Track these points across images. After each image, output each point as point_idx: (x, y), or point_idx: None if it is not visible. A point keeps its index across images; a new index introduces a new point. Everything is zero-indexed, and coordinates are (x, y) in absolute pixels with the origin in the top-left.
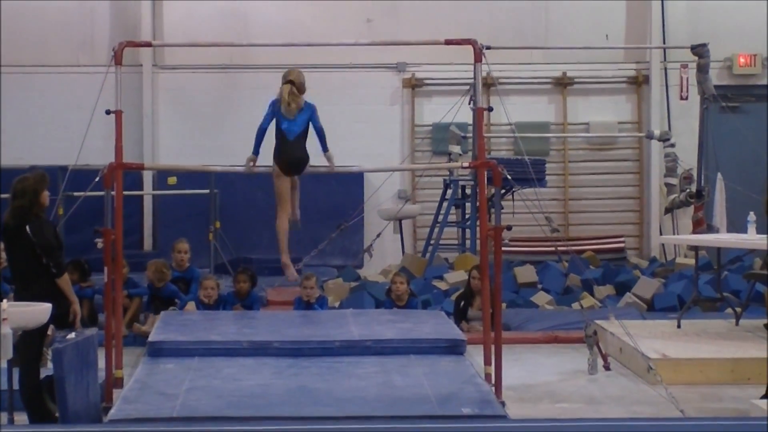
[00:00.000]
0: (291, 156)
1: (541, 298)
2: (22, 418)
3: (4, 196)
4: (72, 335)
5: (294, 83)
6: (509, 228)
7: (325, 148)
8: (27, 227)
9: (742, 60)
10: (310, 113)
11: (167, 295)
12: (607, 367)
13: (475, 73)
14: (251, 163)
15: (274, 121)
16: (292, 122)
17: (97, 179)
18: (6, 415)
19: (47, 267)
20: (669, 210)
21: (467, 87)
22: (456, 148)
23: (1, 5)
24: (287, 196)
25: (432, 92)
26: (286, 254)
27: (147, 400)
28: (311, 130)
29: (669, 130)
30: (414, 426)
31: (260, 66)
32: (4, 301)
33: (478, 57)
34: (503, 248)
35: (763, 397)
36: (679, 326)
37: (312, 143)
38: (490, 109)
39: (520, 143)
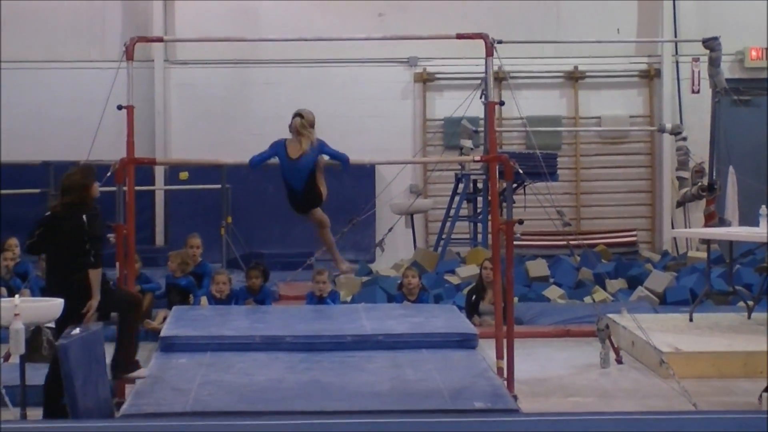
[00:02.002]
0: (301, 205)
1: (553, 292)
2: (34, 413)
3: (4, 192)
4: (77, 330)
5: (303, 117)
6: (521, 222)
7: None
8: (84, 217)
9: (753, 53)
10: (318, 149)
11: (185, 286)
12: (619, 361)
13: (486, 68)
14: None
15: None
16: (296, 166)
17: (108, 174)
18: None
19: (87, 258)
20: (681, 203)
21: (479, 81)
22: (467, 143)
23: (14, 2)
24: (318, 219)
25: (443, 86)
26: (340, 260)
27: (159, 395)
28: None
29: (681, 123)
30: (426, 420)
31: (271, 61)
32: (17, 296)
33: (490, 51)
34: (515, 242)
35: (765, 391)
36: (691, 320)
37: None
38: (502, 104)
39: (531, 137)
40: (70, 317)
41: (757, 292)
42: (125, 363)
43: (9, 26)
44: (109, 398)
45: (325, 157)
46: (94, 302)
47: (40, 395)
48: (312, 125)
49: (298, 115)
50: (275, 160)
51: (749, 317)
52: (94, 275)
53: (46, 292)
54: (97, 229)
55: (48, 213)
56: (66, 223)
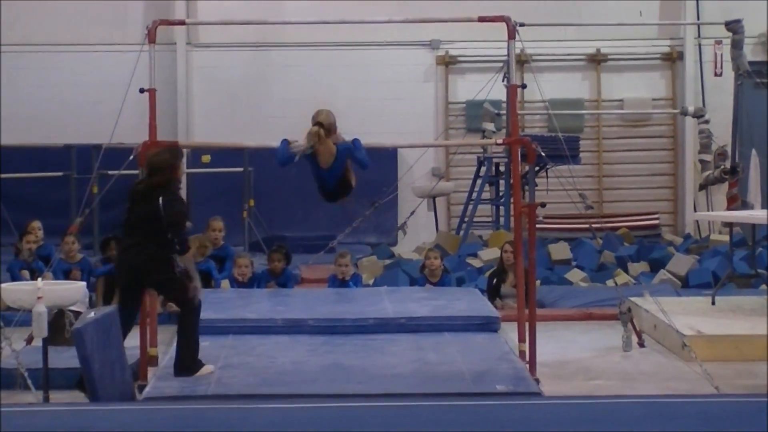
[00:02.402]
0: (332, 198)
1: (575, 275)
2: (57, 396)
3: (4, 176)
4: (92, 314)
5: (323, 125)
6: (543, 205)
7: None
8: (160, 200)
9: None
10: (345, 157)
11: (205, 270)
12: (641, 344)
13: (508, 50)
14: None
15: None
16: (328, 175)
17: (131, 157)
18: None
19: (159, 234)
20: (703, 186)
21: (501, 64)
22: (490, 125)
23: None
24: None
25: (465, 69)
26: None
27: (181, 379)
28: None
29: (703, 106)
30: (448, 403)
31: (292, 44)
32: (39, 279)
33: (512, 34)
34: (537, 225)
35: None
36: (713, 303)
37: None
38: (524, 86)
39: (553, 120)
40: (131, 295)
41: None
42: (189, 363)
43: (31, 10)
44: (130, 381)
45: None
46: (197, 283)
47: (62, 378)
48: (332, 128)
49: (318, 123)
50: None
51: None
52: (187, 260)
53: (117, 266)
54: (174, 215)
55: (132, 188)
56: (144, 203)
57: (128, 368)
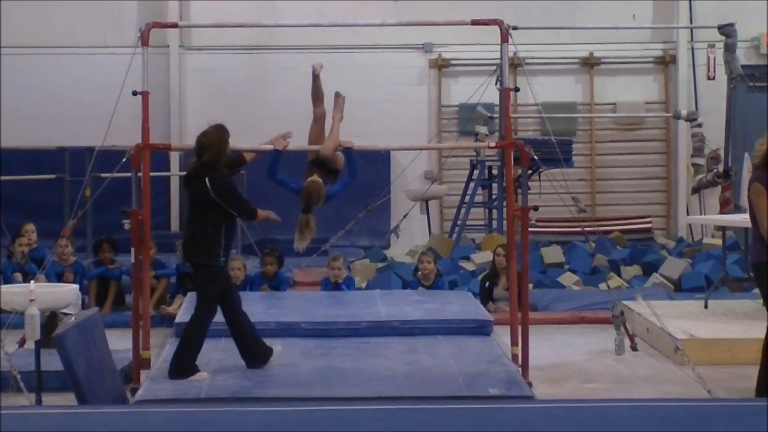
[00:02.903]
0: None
1: (568, 278)
2: (50, 398)
3: (4, 178)
4: (72, 318)
5: (310, 211)
6: (536, 208)
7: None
8: (207, 180)
9: None
10: (338, 189)
11: None
12: (634, 348)
13: (501, 54)
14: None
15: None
16: (329, 196)
17: (124, 160)
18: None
19: (210, 217)
20: (696, 190)
21: (494, 67)
22: (483, 129)
23: None
24: None
25: (459, 72)
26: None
27: (174, 381)
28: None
29: (696, 110)
30: (441, 406)
31: (287, 47)
32: (32, 282)
33: (505, 37)
34: (530, 229)
35: None
36: (706, 306)
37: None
38: (517, 90)
39: (546, 123)
40: (198, 277)
41: None
42: (185, 366)
43: (25, 12)
44: (119, 383)
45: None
46: (268, 213)
47: (55, 380)
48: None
49: (307, 209)
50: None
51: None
52: (262, 219)
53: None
54: (223, 192)
55: (186, 172)
56: (194, 184)
57: (116, 370)
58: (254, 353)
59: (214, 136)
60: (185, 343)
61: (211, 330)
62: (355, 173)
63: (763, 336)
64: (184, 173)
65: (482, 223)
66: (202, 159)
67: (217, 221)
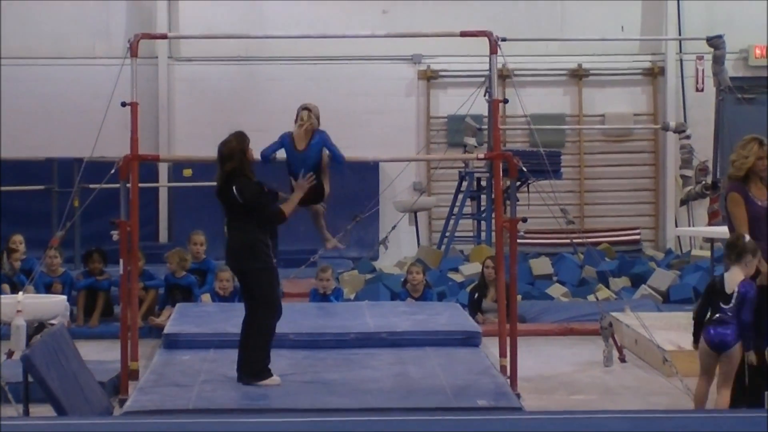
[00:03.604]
0: (305, 199)
1: (556, 289)
2: (37, 410)
3: (4, 188)
4: (37, 337)
5: (311, 111)
6: (524, 220)
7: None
8: (234, 189)
9: (758, 51)
10: (321, 141)
11: (186, 284)
12: (622, 359)
13: (490, 65)
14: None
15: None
16: (301, 157)
17: (112, 171)
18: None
19: (250, 221)
20: (684, 202)
21: (483, 79)
22: (471, 140)
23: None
24: (318, 208)
25: (447, 84)
26: (326, 232)
27: (163, 392)
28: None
29: (685, 121)
30: (429, 417)
31: (276, 58)
32: (20, 293)
33: (494, 49)
34: (518, 240)
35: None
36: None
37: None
38: (506, 101)
39: (535, 135)
40: (250, 280)
41: None
42: (258, 368)
43: (14, 22)
44: (101, 395)
45: (325, 152)
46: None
47: (42, 392)
48: (317, 119)
49: (305, 108)
50: (282, 153)
51: None
52: (290, 212)
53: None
54: (250, 198)
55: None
56: (223, 194)
57: (95, 382)
58: (253, 366)
59: (234, 144)
60: (251, 343)
61: (197, 342)
62: (338, 157)
63: None
64: (172, 184)
65: (471, 234)
66: (225, 169)
67: (259, 222)
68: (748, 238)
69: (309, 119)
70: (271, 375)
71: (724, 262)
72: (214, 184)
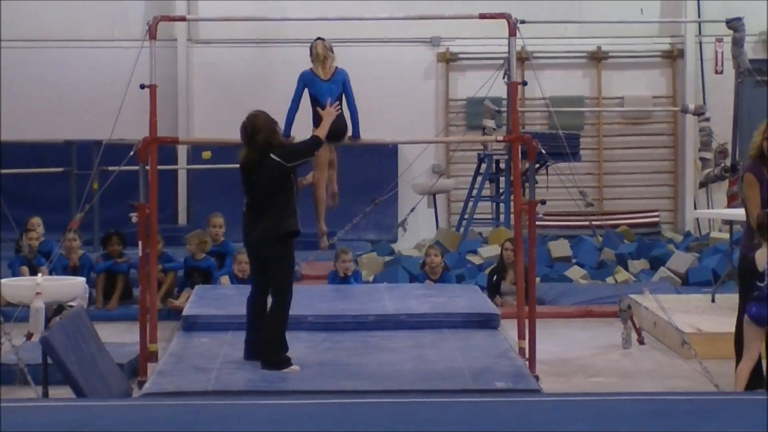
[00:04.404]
0: (329, 132)
1: (575, 272)
2: (56, 392)
3: (4, 171)
4: (56, 319)
5: (324, 40)
6: (543, 202)
7: (356, 133)
8: (272, 156)
9: None
10: (343, 80)
11: (206, 267)
12: (641, 342)
13: (509, 48)
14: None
15: (306, 93)
16: (327, 86)
17: (131, 154)
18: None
19: (283, 192)
20: (703, 184)
21: (501, 61)
22: (490, 123)
23: None
24: (325, 164)
25: (466, 66)
26: (323, 222)
27: (182, 374)
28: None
29: (704, 104)
30: (448, 400)
31: (294, 40)
32: (39, 274)
33: (513, 31)
34: (537, 223)
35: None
36: (713, 300)
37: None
38: (525, 84)
39: (554, 117)
40: (284, 250)
41: None
42: (274, 356)
43: (33, 4)
44: (120, 376)
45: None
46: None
47: (61, 374)
48: (331, 50)
49: (319, 38)
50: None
51: None
52: (326, 126)
53: (246, 236)
54: (297, 153)
55: (240, 164)
56: (262, 167)
57: (114, 364)
58: (272, 356)
59: (262, 119)
60: (270, 333)
61: (215, 324)
62: (351, 98)
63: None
64: (190, 167)
65: (489, 216)
66: (257, 141)
67: (290, 193)
68: None
69: (325, 50)
70: (291, 363)
71: (756, 241)
72: (233, 166)
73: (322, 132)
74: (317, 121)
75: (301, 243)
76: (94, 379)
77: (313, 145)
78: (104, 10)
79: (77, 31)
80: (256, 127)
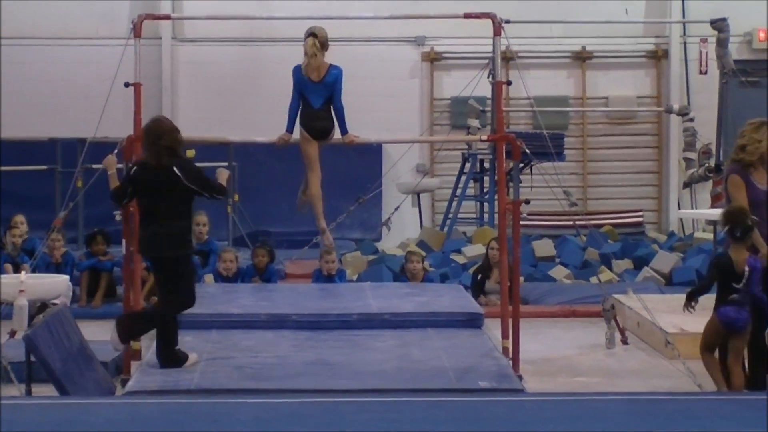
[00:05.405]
0: (317, 125)
1: (559, 272)
2: (39, 389)
3: (6, 169)
4: (40, 317)
5: (317, 36)
6: (527, 202)
7: (344, 131)
8: (175, 169)
9: (761, 34)
10: (334, 80)
11: None
12: (624, 341)
13: (494, 47)
14: (284, 140)
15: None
16: (317, 88)
17: (116, 151)
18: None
19: (181, 205)
20: (688, 184)
21: (486, 61)
22: (475, 122)
23: None
24: (317, 161)
25: (451, 66)
26: (323, 220)
27: (165, 372)
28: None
29: (688, 104)
30: (431, 399)
31: (280, 39)
32: (23, 272)
33: (498, 31)
34: (521, 222)
35: None
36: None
37: None
38: (509, 83)
39: (539, 117)
40: (179, 266)
41: None
42: (173, 355)
43: (17, 2)
44: (103, 374)
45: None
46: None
47: (44, 372)
48: (325, 42)
49: (312, 34)
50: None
51: None
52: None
53: (140, 243)
54: (196, 177)
55: (136, 164)
56: (160, 173)
57: (97, 361)
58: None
59: (166, 123)
60: (168, 335)
61: (200, 322)
62: (338, 99)
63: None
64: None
65: (474, 216)
66: (161, 143)
67: (187, 208)
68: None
69: (313, 48)
70: (187, 356)
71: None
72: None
73: (226, 184)
74: (305, 120)
75: (285, 242)
76: (78, 377)
77: (217, 188)
78: (89, 9)
79: (62, 29)
80: (158, 131)
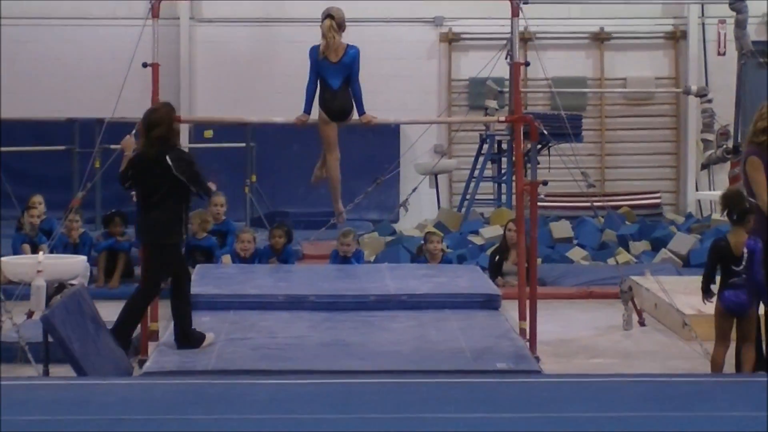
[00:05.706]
0: (336, 105)
1: (576, 253)
2: (57, 370)
3: (6, 149)
4: (57, 297)
5: (334, 18)
6: (545, 183)
7: (361, 111)
8: (167, 157)
9: None
10: (351, 61)
11: (207, 246)
12: (642, 323)
13: (512, 28)
14: (301, 121)
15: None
16: (335, 68)
17: (133, 132)
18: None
19: (173, 195)
20: (705, 166)
21: (504, 41)
22: (492, 103)
23: None
24: (335, 142)
25: (469, 47)
26: (340, 202)
27: (182, 353)
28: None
29: (706, 85)
30: (449, 380)
31: (297, 19)
32: (40, 253)
33: (516, 11)
34: (539, 203)
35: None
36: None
37: None
38: (527, 64)
39: (556, 98)
40: (160, 256)
41: None
42: (190, 335)
43: None
44: (120, 355)
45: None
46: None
47: (62, 352)
48: (342, 23)
49: (329, 15)
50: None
51: None
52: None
53: (135, 227)
54: (186, 168)
55: (136, 153)
56: (154, 162)
57: (113, 339)
58: (188, 337)
59: (163, 112)
60: (187, 314)
61: (217, 303)
62: (355, 79)
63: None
64: (192, 146)
65: (491, 197)
66: (153, 134)
67: (179, 198)
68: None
69: (331, 31)
70: (204, 336)
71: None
72: (236, 145)
73: (210, 189)
74: (325, 101)
75: (302, 223)
76: (95, 357)
77: (205, 186)
78: None
79: (81, 9)
80: (153, 121)
